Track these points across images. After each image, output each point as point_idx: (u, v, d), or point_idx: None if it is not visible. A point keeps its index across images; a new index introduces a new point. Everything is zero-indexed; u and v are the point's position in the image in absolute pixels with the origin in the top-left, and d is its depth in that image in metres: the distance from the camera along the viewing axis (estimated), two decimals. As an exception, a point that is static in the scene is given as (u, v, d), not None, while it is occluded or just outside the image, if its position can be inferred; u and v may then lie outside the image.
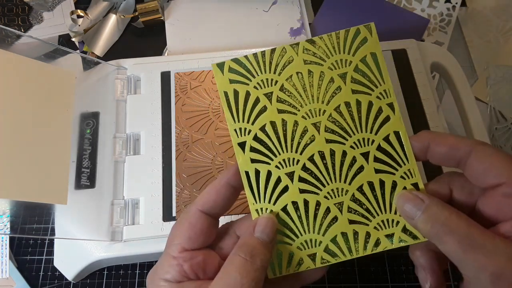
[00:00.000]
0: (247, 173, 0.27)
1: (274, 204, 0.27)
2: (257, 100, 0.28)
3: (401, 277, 0.40)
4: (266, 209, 0.27)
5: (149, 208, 0.38)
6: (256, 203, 0.27)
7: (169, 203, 0.38)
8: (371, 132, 0.27)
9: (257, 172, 0.27)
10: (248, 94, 0.28)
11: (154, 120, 0.42)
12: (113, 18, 0.52)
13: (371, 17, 0.52)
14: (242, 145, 0.28)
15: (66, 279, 0.40)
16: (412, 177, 0.27)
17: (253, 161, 0.27)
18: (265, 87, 0.28)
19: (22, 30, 0.53)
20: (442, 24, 0.53)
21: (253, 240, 0.26)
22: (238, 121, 0.28)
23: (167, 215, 0.38)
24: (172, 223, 0.37)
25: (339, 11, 0.53)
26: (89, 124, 0.41)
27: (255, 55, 0.28)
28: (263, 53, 0.28)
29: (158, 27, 0.52)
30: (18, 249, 0.43)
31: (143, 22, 0.51)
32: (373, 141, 0.27)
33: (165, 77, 0.44)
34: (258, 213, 0.27)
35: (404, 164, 0.27)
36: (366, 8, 0.53)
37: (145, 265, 0.42)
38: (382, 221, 0.27)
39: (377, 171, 0.27)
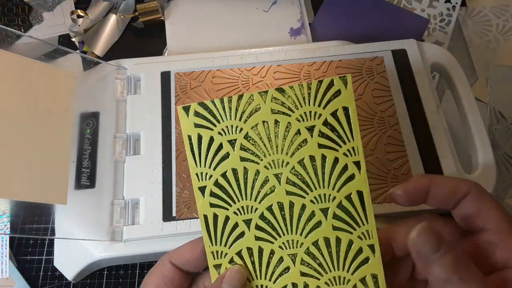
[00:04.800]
0: (205, 216, 0.28)
1: (229, 248, 0.28)
2: (220, 146, 0.28)
3: (401, 277, 0.40)
4: (222, 252, 0.28)
5: (149, 208, 0.38)
6: (212, 245, 0.28)
7: (169, 203, 0.38)
8: (333, 189, 0.27)
9: (215, 216, 0.28)
10: (211, 139, 0.28)
11: (154, 120, 0.42)
12: (113, 18, 0.52)
13: (371, 17, 0.52)
14: (202, 189, 0.28)
15: (66, 279, 0.40)
16: (370, 238, 0.27)
17: (212, 205, 0.28)
18: (229, 134, 0.28)
19: (22, 30, 0.53)
20: (442, 24, 0.53)
21: None
22: (200, 166, 0.28)
23: (167, 215, 0.38)
24: (172, 223, 0.37)
25: (339, 11, 0.53)
26: (89, 124, 0.41)
27: (221, 100, 0.28)
28: (230, 99, 0.28)
29: (158, 27, 0.52)
30: (18, 249, 0.43)
31: (143, 22, 0.51)
32: (334, 197, 0.27)
33: (165, 77, 0.44)
34: (213, 255, 0.28)
35: (363, 225, 0.27)
36: (366, 8, 0.53)
37: (145, 265, 0.42)
38: (334, 277, 0.27)
39: (335, 228, 0.27)
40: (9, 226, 0.42)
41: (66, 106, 0.38)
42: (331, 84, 0.27)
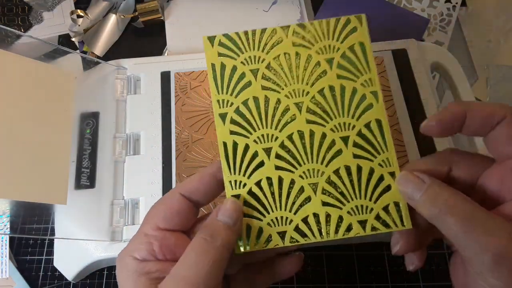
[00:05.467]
0: (224, 144, 0.28)
1: (248, 177, 0.27)
2: (242, 75, 0.29)
3: (401, 277, 0.40)
4: (240, 181, 0.27)
5: (149, 208, 0.38)
6: (231, 174, 0.27)
7: (169, 203, 0.38)
8: (352, 118, 0.28)
9: (235, 144, 0.28)
10: (234, 68, 0.29)
11: (154, 120, 0.42)
12: (113, 18, 0.52)
13: (371, 17, 0.52)
14: (223, 116, 0.28)
15: (66, 279, 0.40)
16: (390, 166, 0.27)
17: (232, 133, 0.28)
18: (252, 64, 0.29)
19: (22, 30, 0.53)
20: (442, 24, 0.53)
21: (215, 222, 0.25)
22: (222, 93, 0.28)
23: (167, 215, 0.38)
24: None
25: (339, 11, 0.53)
26: (89, 124, 0.41)
27: (245, 32, 0.29)
28: (253, 31, 0.29)
29: (158, 27, 0.52)
30: (18, 249, 0.43)
31: (143, 22, 0.51)
32: (354, 126, 0.27)
33: (165, 77, 0.44)
34: (231, 184, 0.27)
35: (383, 152, 0.27)
36: (366, 8, 0.53)
37: (145, 265, 0.42)
38: (356, 206, 0.27)
39: (356, 156, 0.27)
40: (9, 226, 0.42)
41: (66, 106, 0.38)
42: (347, 21, 0.29)
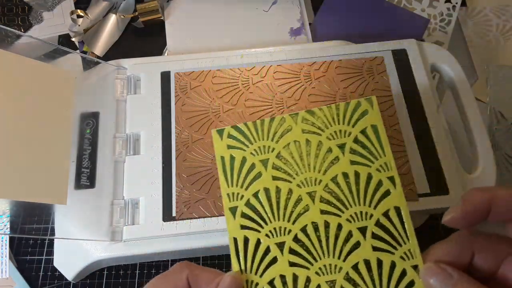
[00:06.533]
0: (235, 239, 0.27)
1: (260, 276, 0.26)
2: (252, 166, 0.28)
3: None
4: (252, 280, 0.26)
5: (149, 208, 0.38)
6: (242, 273, 0.26)
7: (169, 203, 0.38)
8: (369, 206, 0.26)
9: (246, 240, 0.26)
10: (244, 159, 0.28)
11: (154, 120, 0.42)
12: (113, 18, 0.52)
13: (371, 17, 0.52)
14: (233, 210, 0.27)
15: (66, 279, 0.40)
16: (413, 258, 0.25)
17: (243, 227, 0.27)
18: (261, 154, 0.28)
19: (22, 30, 0.53)
20: (442, 24, 0.53)
21: None
22: (231, 186, 0.28)
23: (167, 215, 0.38)
24: (172, 223, 0.37)
25: (339, 11, 0.53)
26: (89, 124, 0.41)
27: (254, 123, 0.29)
28: (262, 121, 0.29)
29: (158, 27, 0.52)
30: (18, 249, 0.43)
31: (143, 22, 0.51)
32: (371, 215, 0.26)
33: (165, 77, 0.44)
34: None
35: (405, 244, 0.25)
36: (366, 8, 0.53)
37: (145, 265, 0.42)
38: None
39: (375, 248, 0.26)
40: (9, 226, 0.42)
41: (66, 106, 0.38)
42: (358, 104, 0.28)
